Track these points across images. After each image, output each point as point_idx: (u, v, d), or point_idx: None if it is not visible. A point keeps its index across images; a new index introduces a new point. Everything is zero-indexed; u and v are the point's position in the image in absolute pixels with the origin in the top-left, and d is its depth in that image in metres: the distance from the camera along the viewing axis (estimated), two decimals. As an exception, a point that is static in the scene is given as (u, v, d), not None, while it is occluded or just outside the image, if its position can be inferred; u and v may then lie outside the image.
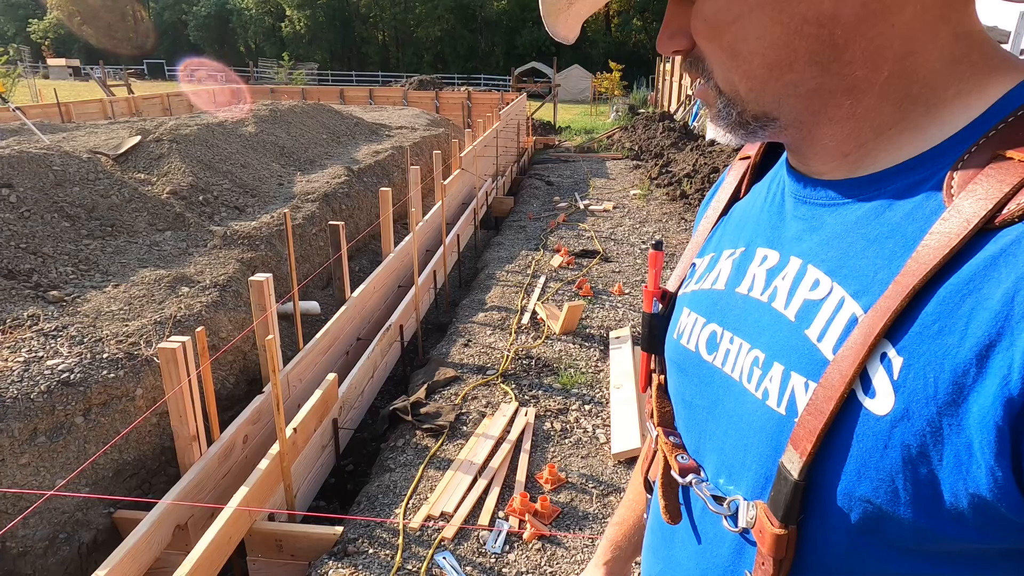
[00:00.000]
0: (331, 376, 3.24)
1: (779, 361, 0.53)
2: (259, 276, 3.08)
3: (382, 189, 4.86)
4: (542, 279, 5.75)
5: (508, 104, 13.98)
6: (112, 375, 2.93)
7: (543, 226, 7.71)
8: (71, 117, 12.30)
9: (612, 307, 5.15)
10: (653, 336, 0.74)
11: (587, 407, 3.69)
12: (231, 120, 7.26)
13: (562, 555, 2.58)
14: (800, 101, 0.53)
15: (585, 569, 0.97)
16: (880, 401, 0.44)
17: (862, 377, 0.46)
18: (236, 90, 18.47)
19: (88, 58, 50.87)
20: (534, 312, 5.00)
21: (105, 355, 3.02)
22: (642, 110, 21.83)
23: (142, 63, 49.94)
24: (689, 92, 19.73)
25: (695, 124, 16.06)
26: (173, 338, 2.53)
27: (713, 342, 0.63)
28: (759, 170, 0.71)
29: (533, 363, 4.18)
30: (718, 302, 0.64)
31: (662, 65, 27.01)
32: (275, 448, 2.70)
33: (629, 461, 3.17)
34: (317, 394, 3.11)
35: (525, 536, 2.64)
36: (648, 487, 0.78)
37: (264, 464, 2.65)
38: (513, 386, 3.88)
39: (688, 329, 0.67)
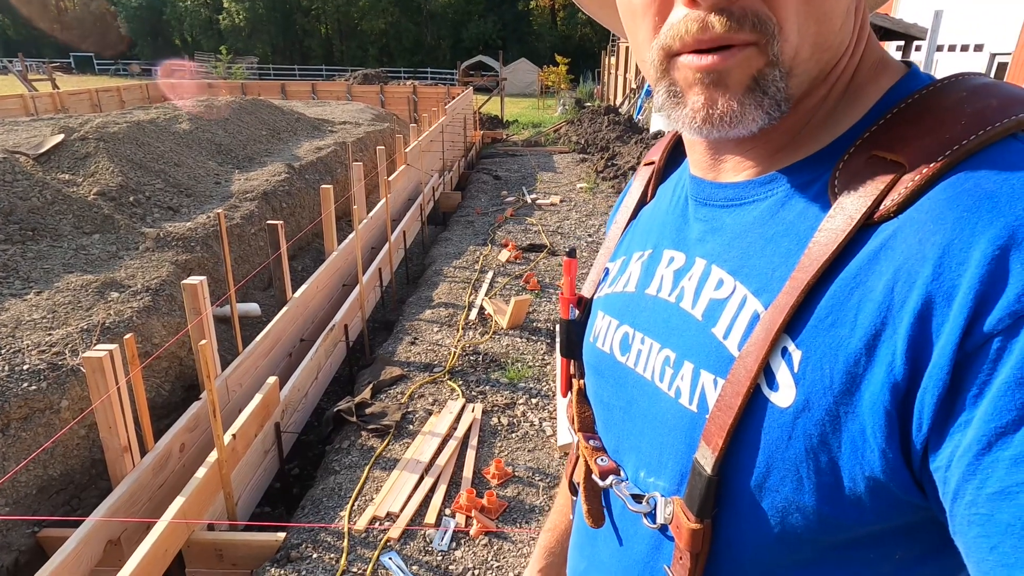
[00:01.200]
0: (271, 379, 3.17)
1: (689, 360, 0.54)
2: (193, 279, 2.98)
3: (324, 186, 4.76)
4: (490, 274, 5.75)
5: (455, 98, 13.89)
6: (33, 387, 2.79)
7: (491, 221, 7.70)
8: (-11, 114, 11.59)
9: (559, 300, 5.19)
10: (571, 342, 0.75)
11: (534, 401, 3.72)
12: (163, 117, 6.98)
13: (509, 549, 2.60)
14: (809, 84, 0.50)
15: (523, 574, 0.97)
16: (783, 394, 0.46)
17: (766, 372, 0.47)
18: (174, 85, 17.77)
19: (6, 50, 48.05)
20: (481, 307, 5.00)
21: (26, 366, 2.87)
22: (588, 104, 22.03)
23: (68, 56, 47.48)
24: (633, 86, 20.02)
25: (640, 117, 16.32)
26: (100, 346, 2.42)
27: (626, 343, 0.64)
28: (662, 175, 0.73)
29: (480, 359, 4.18)
30: (629, 304, 0.65)
31: (607, 59, 27.30)
32: (213, 455, 2.63)
33: (575, 452, 3.21)
34: (257, 398, 3.03)
35: (472, 532, 2.64)
36: (572, 489, 0.79)
37: (201, 473, 2.57)
38: (460, 382, 3.87)
39: (603, 332, 0.68)
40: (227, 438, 2.71)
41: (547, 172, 10.94)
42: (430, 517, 2.73)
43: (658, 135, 12.13)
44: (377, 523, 2.70)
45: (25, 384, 2.78)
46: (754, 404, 0.48)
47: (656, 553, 0.60)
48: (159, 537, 2.24)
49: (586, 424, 0.71)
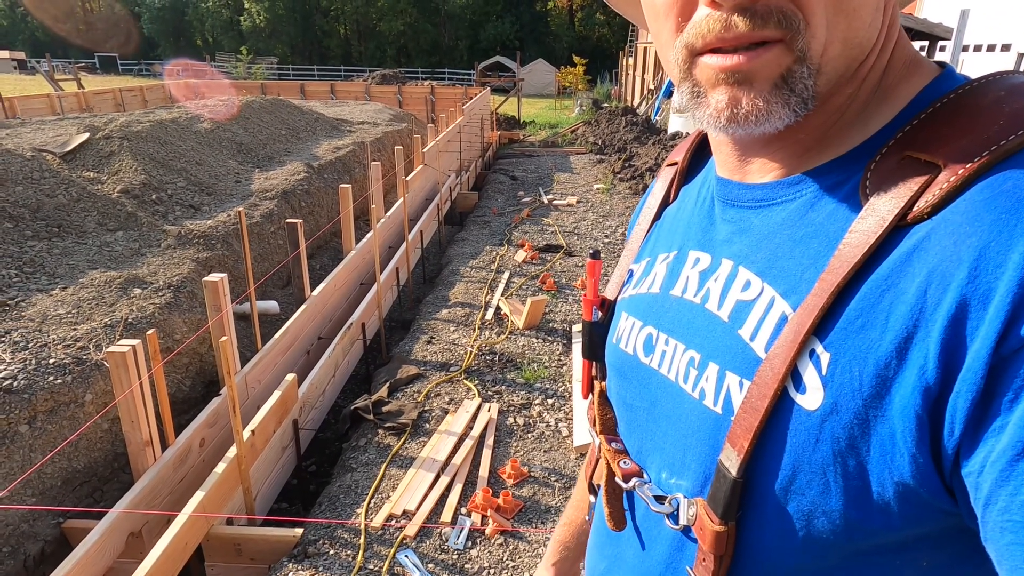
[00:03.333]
0: (290, 376, 3.20)
1: (714, 361, 0.54)
2: (214, 276, 3.02)
3: (342, 186, 4.80)
4: (506, 274, 5.76)
5: (472, 99, 13.92)
6: (59, 381, 2.84)
7: (507, 221, 7.71)
8: (15, 113, 11.82)
9: (575, 301, 5.18)
10: (593, 344, 0.75)
11: (550, 401, 3.71)
12: (185, 116, 7.08)
13: (524, 549, 2.60)
14: (837, 82, 0.49)
15: (536, 570, 0.98)
16: (810, 397, 0.46)
17: (793, 374, 0.47)
18: (193, 85, 17.98)
19: (34, 51, 48.99)
20: (498, 307, 5.00)
21: (51, 360, 2.92)
22: (605, 104, 21.98)
23: (93, 57, 48.28)
24: (651, 86, 19.93)
25: (657, 118, 16.23)
26: (123, 341, 2.46)
27: (650, 344, 0.64)
28: (687, 174, 0.73)
29: (496, 359, 4.18)
30: (654, 305, 0.65)
31: (625, 59, 27.22)
32: (232, 451, 2.66)
33: (591, 454, 3.20)
34: (276, 395, 3.06)
35: (487, 531, 2.65)
36: (592, 490, 0.79)
37: (221, 468, 2.60)
38: (476, 382, 3.88)
39: (626, 333, 0.68)
40: (246, 434, 2.74)
41: (564, 173, 10.93)
42: (446, 516, 2.74)
43: (676, 136, 12.07)
44: (393, 521, 2.72)
45: (51, 378, 2.83)
46: (781, 406, 0.48)
47: (679, 554, 0.59)
48: (179, 531, 2.27)
49: (608, 426, 0.71)
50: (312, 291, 4.26)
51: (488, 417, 3.47)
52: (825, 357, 0.45)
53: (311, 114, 9.67)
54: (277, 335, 3.72)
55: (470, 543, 2.61)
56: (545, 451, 3.25)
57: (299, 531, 2.60)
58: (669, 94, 16.03)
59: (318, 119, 9.60)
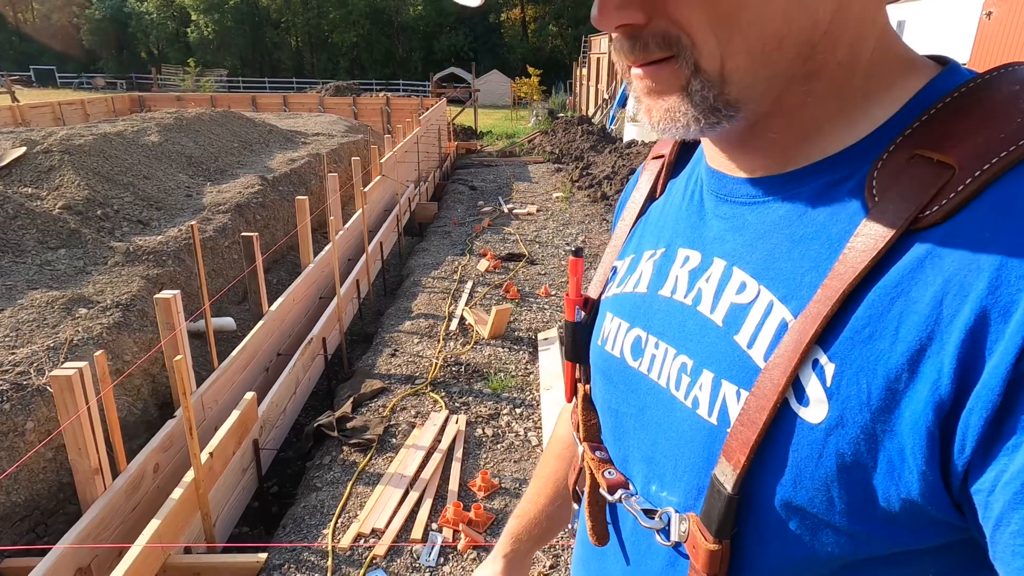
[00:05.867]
0: (249, 395, 3.08)
1: (708, 368, 0.51)
2: (166, 293, 2.89)
3: (299, 197, 4.68)
4: (469, 284, 5.71)
5: (428, 109, 13.86)
6: (-2, 408, 2.66)
7: (468, 231, 7.67)
8: (-53, 128, 11.22)
9: (540, 309, 5.17)
10: (577, 345, 0.72)
11: (518, 410, 3.67)
12: (131, 129, 6.82)
13: (499, 563, 2.54)
14: (767, 86, 0.48)
15: (484, 561, 0.93)
16: (814, 409, 0.43)
17: (794, 385, 0.44)
18: (135, 97, 17.41)
19: (-35, 64, 46.77)
20: (462, 318, 4.95)
21: (-11, 387, 2.74)
22: (561, 114, 22.19)
23: (28, 69, 46.37)
24: (605, 96, 20.23)
25: (612, 127, 16.48)
26: (68, 364, 2.32)
27: (638, 347, 0.60)
28: (674, 168, 0.70)
29: (463, 369, 4.13)
30: (641, 306, 0.62)
31: (579, 70, 27.57)
32: (190, 475, 2.53)
33: (562, 462, 3.17)
34: (235, 415, 2.94)
35: (459, 546, 2.58)
36: (576, 497, 0.76)
37: (177, 493, 2.47)
38: (443, 394, 3.81)
39: (612, 334, 0.65)
40: (204, 457, 2.62)
41: (523, 182, 10.96)
42: (416, 532, 2.66)
43: (632, 145, 12.24)
44: (362, 540, 2.63)
45: (-12, 406, 2.65)
46: (781, 419, 0.45)
47: (671, 570, 0.56)
48: (133, 563, 2.14)
49: (592, 433, 0.67)
50: (270, 306, 4.13)
51: (456, 429, 3.41)
52: (830, 368, 0.43)
53: (264, 126, 9.46)
54: (234, 352, 3.58)
55: (442, 559, 2.54)
56: (515, 461, 3.21)
57: (263, 556, 2.49)
58: (623, 103, 16.30)
59: (271, 131, 9.40)
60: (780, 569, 0.49)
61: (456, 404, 3.72)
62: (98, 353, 2.37)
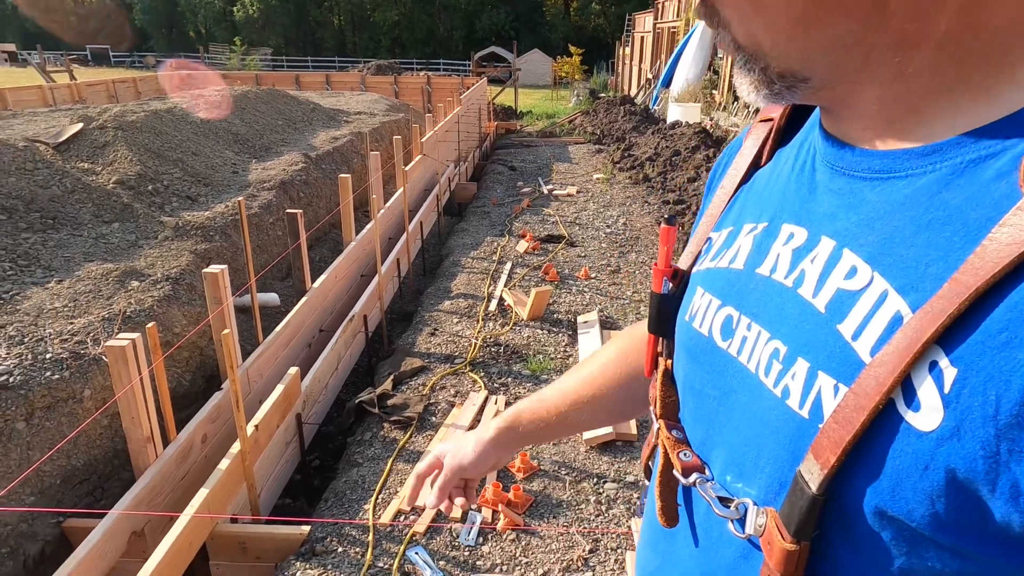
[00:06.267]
0: (293, 370, 3.13)
1: (804, 357, 0.47)
2: (214, 268, 2.94)
3: (342, 175, 4.71)
4: (508, 265, 5.69)
5: (468, 89, 13.79)
6: (56, 376, 2.76)
7: (507, 212, 7.63)
8: (7, 105, 11.65)
9: (579, 291, 5.12)
10: (662, 318, 0.68)
11: (557, 393, 3.65)
12: (181, 106, 6.97)
13: (536, 544, 2.54)
14: (836, 58, 0.45)
15: (479, 427, 0.91)
16: (925, 416, 0.39)
17: (904, 387, 0.40)
18: (187, 76, 17.77)
19: (25, 43, 48.40)
20: (501, 298, 4.94)
21: (48, 355, 2.84)
22: (603, 94, 21.85)
23: (84, 48, 47.79)
24: (649, 76, 19.81)
25: (655, 108, 16.14)
26: (122, 335, 2.38)
27: (729, 327, 0.57)
28: (784, 135, 0.64)
29: (501, 350, 4.12)
30: (735, 283, 0.58)
31: (621, 49, 27.05)
32: (236, 447, 2.59)
33: (601, 447, 3.15)
34: (279, 389, 2.99)
35: (499, 527, 2.59)
36: (648, 473, 0.73)
37: (225, 464, 2.53)
38: (482, 374, 3.82)
39: (701, 311, 0.61)
40: (249, 429, 2.68)
41: (563, 163, 10.84)
42: (456, 512, 2.68)
43: (675, 126, 11.97)
44: (402, 517, 2.66)
45: (48, 373, 2.76)
46: (884, 422, 0.41)
47: (744, 563, 0.53)
48: (183, 530, 2.21)
49: (669, 411, 0.65)
50: (313, 283, 4.18)
51: (495, 410, 3.41)
52: (950, 373, 0.38)
53: (307, 104, 9.56)
54: (278, 328, 3.64)
55: (481, 539, 2.55)
56: (554, 444, 3.20)
57: (306, 529, 2.54)
58: (667, 83, 15.93)
59: (314, 109, 9.49)
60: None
61: (495, 385, 3.72)
62: (150, 325, 2.43)
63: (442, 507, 0.94)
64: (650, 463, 0.69)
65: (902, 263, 0.43)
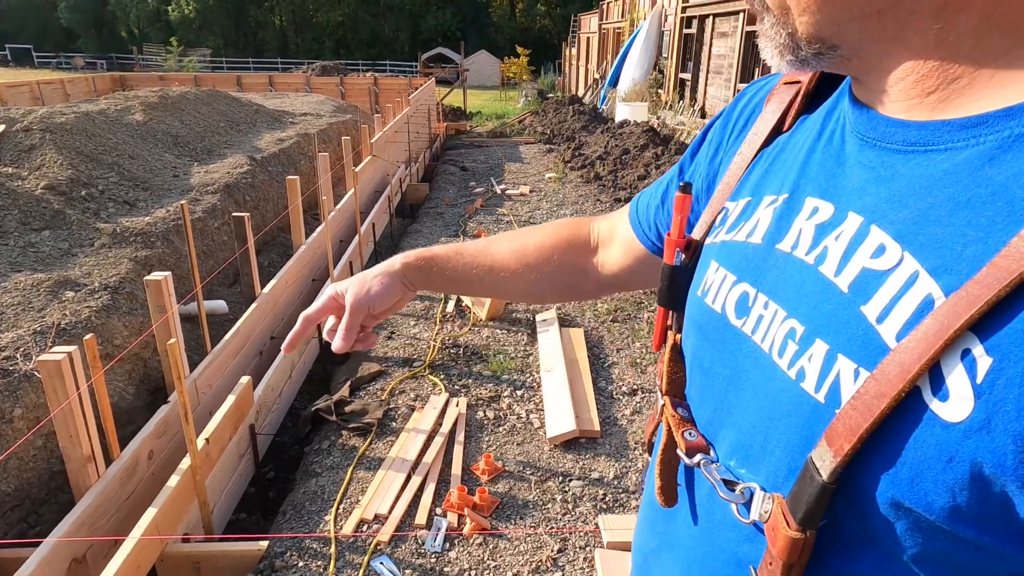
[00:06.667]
0: (245, 379, 3.00)
1: (822, 338, 0.44)
2: (156, 275, 2.79)
3: (290, 177, 4.56)
4: (464, 266, 5.62)
5: (417, 89, 13.64)
6: (-16, 395, 2.56)
7: (461, 212, 7.57)
8: (-79, 108, 10.89)
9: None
10: (673, 291, 0.65)
11: (519, 393, 3.62)
12: (114, 108, 6.63)
13: (504, 547, 2.50)
14: (868, 25, 0.43)
15: (386, 268, 0.86)
16: (953, 406, 0.36)
17: (932, 374, 0.37)
18: (116, 77, 17.01)
19: (-61, 43, 45.50)
20: (458, 299, 4.88)
21: (-26, 373, 2.64)
22: (551, 95, 21.98)
23: (4, 48, 45.23)
24: (596, 76, 20.03)
25: (604, 107, 16.33)
26: (57, 348, 2.22)
27: (744, 305, 0.54)
28: (810, 100, 0.60)
29: (461, 352, 4.06)
30: (753, 259, 0.54)
31: (568, 50, 27.28)
32: (186, 462, 2.45)
33: (565, 445, 3.13)
34: (231, 399, 2.86)
35: (465, 531, 2.54)
36: (650, 448, 0.71)
37: (174, 481, 2.40)
38: (442, 377, 3.75)
39: (715, 287, 0.58)
40: (200, 443, 2.54)
41: (514, 163, 10.84)
42: (420, 518, 2.61)
43: (624, 125, 12.13)
44: (365, 526, 2.57)
45: (-27, 392, 2.55)
46: (907, 410, 0.38)
47: (744, 548, 0.51)
48: (130, 554, 2.07)
49: (676, 387, 0.62)
50: (262, 288, 4.03)
51: (457, 412, 3.35)
52: (984, 362, 0.35)
53: (251, 106, 9.26)
54: (227, 336, 3.49)
55: (448, 545, 2.49)
56: (518, 444, 3.16)
57: (264, 544, 2.43)
58: (614, 83, 16.14)
59: (258, 111, 9.20)
60: (875, 569, 0.43)
61: (456, 387, 3.66)
62: (88, 336, 2.28)
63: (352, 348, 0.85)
64: (653, 439, 0.67)
65: (936, 243, 0.40)
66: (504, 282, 0.88)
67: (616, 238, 0.86)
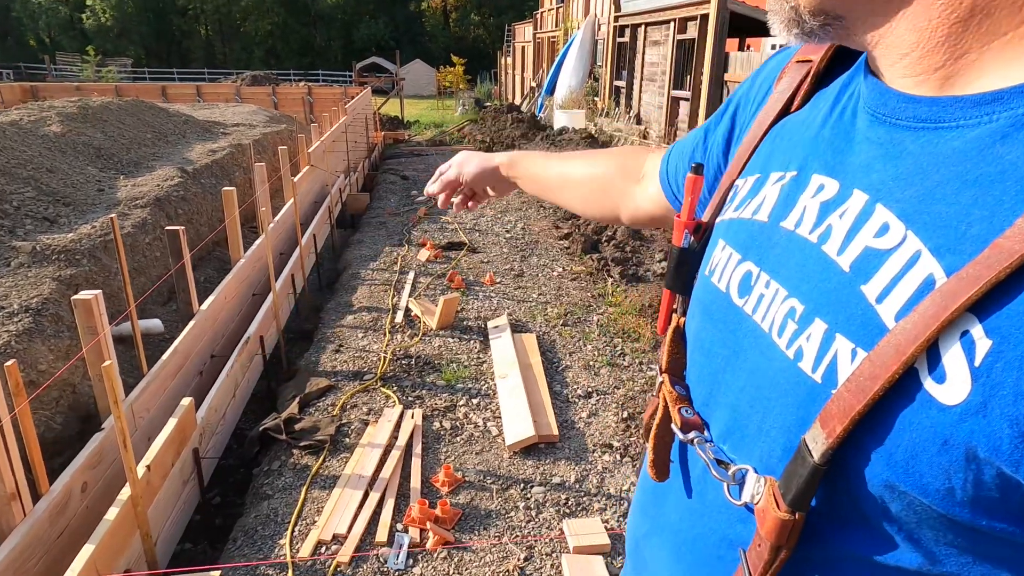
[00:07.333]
0: (187, 400, 2.84)
1: (821, 317, 0.43)
2: (85, 294, 2.61)
3: (225, 189, 4.38)
4: (411, 274, 5.54)
5: (352, 99, 13.42)
6: None
7: (404, 221, 7.47)
8: None
9: (486, 297, 5.07)
10: (681, 273, 0.64)
11: (474, 401, 3.57)
12: (28, 119, 6.23)
13: (470, 559, 2.45)
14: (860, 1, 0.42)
15: (489, 157, 1.09)
16: (950, 388, 0.36)
17: (930, 355, 0.37)
18: (27, 88, 16.02)
19: None
20: (407, 309, 4.79)
21: None
22: (488, 103, 22.06)
23: (-101, 59, 41.93)
24: (532, 84, 20.24)
25: (542, 115, 16.51)
26: (-26, 377, 2.04)
27: (747, 284, 0.53)
28: (822, 77, 0.60)
29: (413, 362, 3.99)
30: (758, 236, 0.53)
31: (503, 59, 27.48)
32: (125, 492, 2.29)
33: (524, 451, 3.10)
34: (172, 423, 2.70)
35: (428, 546, 2.47)
36: (648, 433, 0.71)
37: (112, 513, 2.23)
38: (395, 388, 3.67)
39: (721, 266, 0.57)
40: (141, 470, 2.39)
41: (456, 171, 10.78)
42: (381, 535, 2.53)
43: (563, 132, 12.28)
44: (323, 548, 2.47)
45: None
46: (902, 392, 0.38)
47: (734, 528, 0.51)
48: (67, 594, 1.92)
49: (675, 366, 0.62)
50: (200, 305, 3.84)
51: (413, 424, 3.28)
52: (983, 344, 0.35)
53: (179, 116, 8.88)
54: (165, 356, 3.30)
55: (412, 561, 2.42)
56: (477, 453, 3.12)
57: (215, 575, 2.29)
58: (551, 91, 16.34)
59: (187, 121, 8.83)
60: (867, 551, 0.43)
61: (410, 398, 3.58)
62: (9, 363, 2.10)
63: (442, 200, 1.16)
64: (651, 422, 0.67)
65: (940, 222, 0.39)
66: (571, 189, 1.01)
67: (652, 182, 0.90)
